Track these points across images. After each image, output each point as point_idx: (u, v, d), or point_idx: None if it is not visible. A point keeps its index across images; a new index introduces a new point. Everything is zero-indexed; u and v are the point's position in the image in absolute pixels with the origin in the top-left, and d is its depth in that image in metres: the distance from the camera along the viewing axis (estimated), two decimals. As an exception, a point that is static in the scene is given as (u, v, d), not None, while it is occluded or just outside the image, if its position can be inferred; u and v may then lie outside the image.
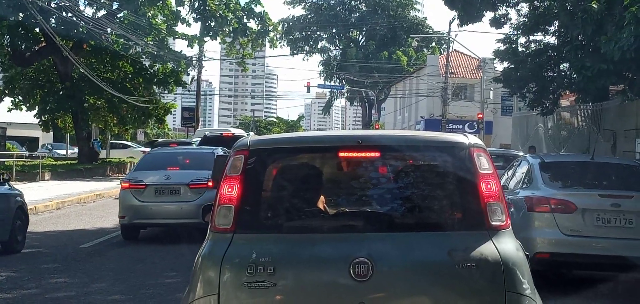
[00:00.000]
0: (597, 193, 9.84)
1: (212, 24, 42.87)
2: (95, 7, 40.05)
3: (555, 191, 9.91)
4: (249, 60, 50.60)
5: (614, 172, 11.00)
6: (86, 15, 38.54)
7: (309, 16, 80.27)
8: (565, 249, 9.47)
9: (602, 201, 9.56)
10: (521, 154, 17.75)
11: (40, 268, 11.54)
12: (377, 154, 4.81)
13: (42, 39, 37.40)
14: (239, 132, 29.05)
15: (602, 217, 9.47)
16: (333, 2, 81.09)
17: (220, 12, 41.89)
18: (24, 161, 37.42)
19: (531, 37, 24.54)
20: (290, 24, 79.06)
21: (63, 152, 54.73)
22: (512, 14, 25.53)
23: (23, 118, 47.72)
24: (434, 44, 75.00)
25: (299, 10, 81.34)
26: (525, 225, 9.57)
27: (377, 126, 68.46)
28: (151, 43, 38.86)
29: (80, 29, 36.58)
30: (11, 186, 13.72)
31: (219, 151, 15.71)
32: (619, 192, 9.76)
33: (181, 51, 46.50)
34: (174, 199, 14.50)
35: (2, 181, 13.21)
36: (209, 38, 44.65)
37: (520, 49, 24.94)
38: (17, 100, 41.33)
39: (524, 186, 10.43)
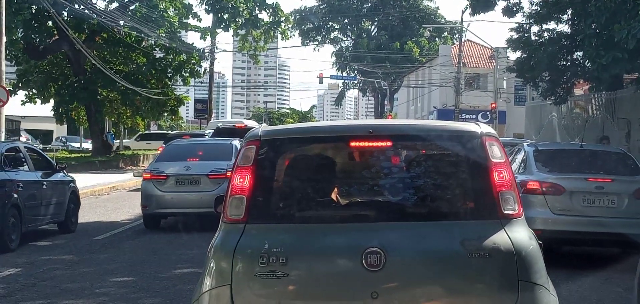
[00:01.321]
0: (583, 177, 11.03)
1: (225, 16, 42.82)
2: (107, 0, 40.17)
3: (547, 175, 11.14)
4: (261, 52, 50.53)
5: (600, 159, 12.27)
6: (98, 8, 38.66)
7: (321, 6, 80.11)
8: (555, 227, 10.65)
9: (588, 184, 10.84)
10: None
11: (55, 260, 11.60)
12: (389, 143, 4.80)
13: (55, 32, 37.57)
14: (251, 123, 29.08)
15: (587, 198, 10.76)
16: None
17: (233, 2, 41.84)
18: (38, 154, 37.55)
19: (544, 26, 24.38)
20: (302, 14, 78.95)
21: (77, 145, 55.02)
22: (525, 2, 25.54)
23: (37, 111, 48.02)
24: (446, 33, 74.73)
25: (311, 1, 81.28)
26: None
27: (389, 117, 68.33)
28: (163, 35, 38.92)
29: (93, 22, 36.70)
30: (65, 173, 15.16)
31: (236, 142, 15.89)
32: (603, 176, 11.11)
33: (193, 43, 46.52)
34: (194, 189, 15.02)
35: (58, 168, 14.71)
36: (221, 30, 44.64)
37: (533, 37, 24.80)
38: (31, 93, 41.57)
39: (520, 171, 11.41)
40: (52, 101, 42.03)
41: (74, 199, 15.12)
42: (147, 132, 53.80)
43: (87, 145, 50.40)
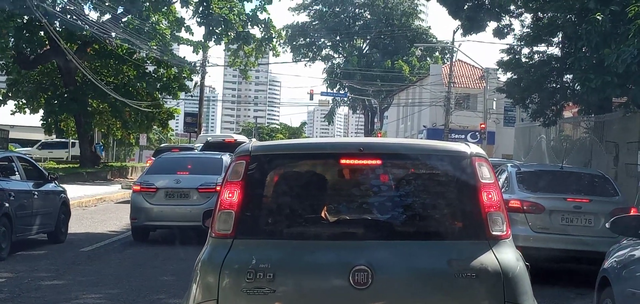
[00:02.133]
0: (562, 197, 11.54)
1: (217, 30, 42.82)
2: (99, 11, 40.12)
3: (528, 195, 11.63)
4: (252, 68, 50.48)
5: (579, 180, 12.78)
6: (91, 19, 38.60)
7: (313, 23, 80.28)
8: (534, 244, 10.99)
9: (567, 203, 11.40)
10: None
11: (40, 271, 11.53)
12: (379, 161, 4.80)
13: (46, 43, 37.48)
14: (241, 138, 29.05)
15: (566, 217, 11.32)
16: (338, 9, 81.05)
17: (224, 15, 41.84)
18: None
19: (535, 48, 24.48)
20: (294, 30, 79.08)
21: (64, 156, 54.66)
22: (516, 24, 25.70)
23: (26, 121, 47.79)
24: (437, 53, 75.00)
25: (303, 17, 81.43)
26: None
27: (379, 135, 68.43)
28: (155, 48, 38.89)
29: (85, 33, 36.64)
30: (57, 184, 15.34)
31: (226, 157, 15.92)
32: (581, 196, 11.64)
33: (185, 57, 46.40)
34: (183, 202, 15.11)
35: (50, 179, 14.84)
36: (212, 43, 44.60)
37: (523, 59, 24.89)
38: (21, 103, 41.42)
39: (503, 190, 11.58)
40: (41, 111, 41.88)
41: (65, 209, 15.24)
42: (48, 140, 52.38)
43: (69, 152, 50.03)
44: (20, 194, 13.23)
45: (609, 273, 7.23)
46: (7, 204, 12.50)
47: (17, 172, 13.65)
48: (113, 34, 38.54)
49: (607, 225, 8.86)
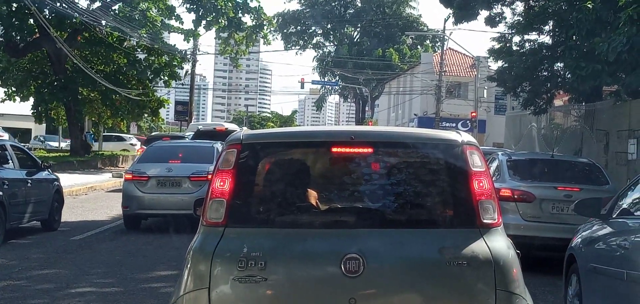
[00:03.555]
0: (553, 185, 11.58)
1: (208, 18, 42.67)
2: (89, -1, 39.96)
3: (519, 183, 11.66)
4: (243, 56, 50.40)
5: (569, 168, 12.83)
6: (81, 6, 38.42)
7: (305, 11, 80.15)
8: (525, 233, 11.07)
9: (557, 192, 11.40)
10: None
11: (31, 259, 11.51)
12: (370, 150, 4.80)
13: (36, 30, 37.29)
14: (232, 126, 28.99)
15: (557, 206, 11.32)
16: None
17: (214, 1, 41.69)
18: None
19: (526, 37, 24.53)
20: (285, 17, 78.94)
21: (55, 144, 54.64)
22: (507, 12, 25.70)
23: (15, 109, 47.60)
24: (428, 41, 75.02)
25: (294, 5, 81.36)
26: None
27: (370, 123, 68.49)
28: (145, 35, 38.74)
29: (75, 20, 36.47)
30: (50, 172, 15.38)
31: (218, 145, 15.91)
32: (571, 184, 11.65)
33: (175, 45, 46.24)
34: (175, 191, 15.16)
35: (43, 167, 14.89)
36: (203, 29, 44.47)
37: (514, 48, 24.95)
38: (11, 91, 41.25)
39: (494, 179, 11.55)
40: (31, 99, 41.73)
41: (58, 197, 15.33)
42: None
43: (65, 144, 49.97)
44: (13, 182, 13.28)
45: (575, 250, 7.90)
46: (0, 193, 12.52)
47: (10, 161, 13.69)
48: (103, 22, 38.39)
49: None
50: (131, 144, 53.47)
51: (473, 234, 4.51)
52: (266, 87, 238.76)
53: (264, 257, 4.38)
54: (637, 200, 7.14)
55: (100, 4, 39.27)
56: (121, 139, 55.43)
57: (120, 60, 40.99)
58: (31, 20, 36.30)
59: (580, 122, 25.14)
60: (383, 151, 4.86)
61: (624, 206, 7.24)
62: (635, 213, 6.99)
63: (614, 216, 7.30)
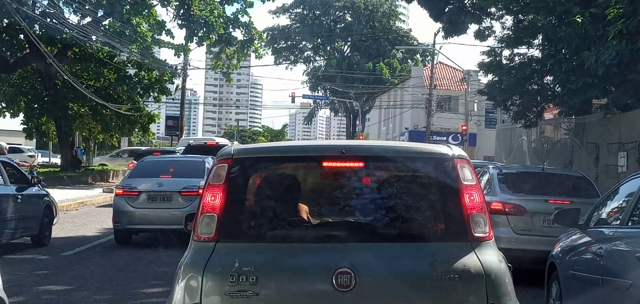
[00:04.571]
0: (544, 199, 11.61)
1: (199, 34, 42.67)
2: (80, 15, 39.86)
3: (510, 196, 11.68)
4: (234, 70, 50.39)
5: (560, 182, 12.88)
6: (71, 22, 38.35)
7: (295, 26, 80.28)
8: (516, 246, 11.01)
9: (548, 205, 11.35)
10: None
11: (21, 276, 11.43)
12: (361, 164, 4.81)
13: (26, 46, 37.19)
14: (222, 141, 28.96)
15: (547, 219, 11.13)
16: (318, 12, 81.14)
17: (205, 17, 41.69)
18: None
19: (515, 50, 24.67)
20: (275, 33, 79.05)
21: (46, 159, 54.36)
22: (497, 27, 25.76)
23: (5, 125, 47.37)
24: (418, 55, 75.19)
25: (284, 20, 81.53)
26: None
27: (361, 137, 68.53)
28: (136, 51, 38.68)
29: (65, 36, 36.40)
30: (41, 187, 15.31)
31: (209, 160, 15.87)
32: (562, 198, 11.68)
33: (166, 60, 46.23)
34: (166, 205, 15.05)
35: (34, 182, 14.84)
36: (194, 45, 44.45)
37: (504, 61, 25.05)
38: (0, 107, 41.12)
39: (485, 192, 11.68)
40: (21, 115, 41.58)
41: (48, 213, 15.28)
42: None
43: (56, 159, 49.67)
44: (2, 198, 13.23)
45: (555, 258, 8.22)
46: None
47: (0, 177, 13.61)
48: (93, 37, 38.30)
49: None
50: (29, 156, 50.82)
51: (464, 248, 4.51)
52: (257, 101, 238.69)
53: (255, 272, 4.37)
54: (613, 210, 7.44)
55: (90, 20, 39.21)
56: (19, 151, 52.22)
57: (110, 76, 40.90)
58: (21, 36, 36.20)
59: (571, 136, 25.23)
60: (374, 165, 4.87)
61: (602, 215, 7.55)
62: (611, 222, 7.29)
63: (591, 226, 7.61)
